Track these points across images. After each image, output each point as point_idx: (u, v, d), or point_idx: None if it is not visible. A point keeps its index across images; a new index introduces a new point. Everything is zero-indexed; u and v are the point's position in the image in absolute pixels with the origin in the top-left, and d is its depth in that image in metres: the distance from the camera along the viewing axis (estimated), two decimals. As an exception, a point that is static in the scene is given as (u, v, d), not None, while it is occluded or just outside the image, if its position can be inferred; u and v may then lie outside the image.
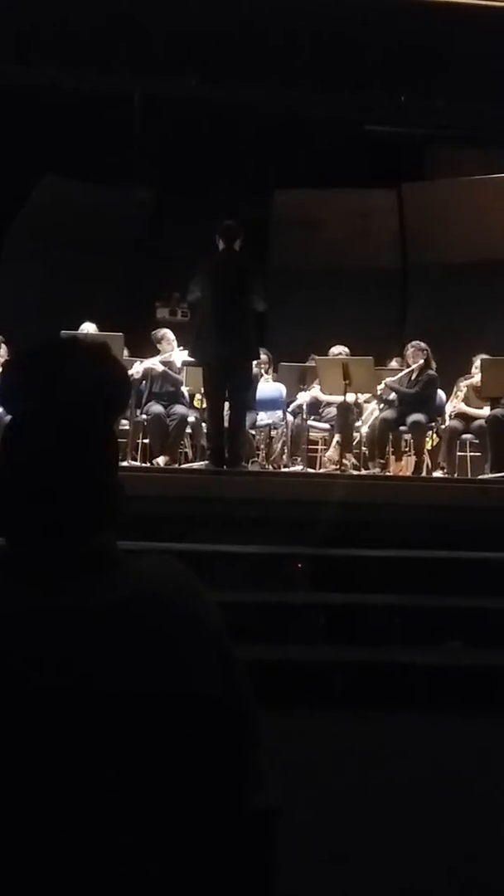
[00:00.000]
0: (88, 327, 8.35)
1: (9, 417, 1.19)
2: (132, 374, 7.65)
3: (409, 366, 8.32)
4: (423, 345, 8.28)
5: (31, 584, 1.09)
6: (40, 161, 10.58)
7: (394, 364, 9.14)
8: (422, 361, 8.17)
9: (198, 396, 8.68)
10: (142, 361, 8.22)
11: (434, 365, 8.26)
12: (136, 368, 8.02)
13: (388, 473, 8.14)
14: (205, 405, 7.56)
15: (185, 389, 8.41)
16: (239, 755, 1.11)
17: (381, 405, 8.42)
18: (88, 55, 9.48)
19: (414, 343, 8.36)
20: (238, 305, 6.92)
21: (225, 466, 7.03)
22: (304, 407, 8.73)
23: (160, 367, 8.21)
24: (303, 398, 8.81)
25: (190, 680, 1.07)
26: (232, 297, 6.91)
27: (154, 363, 8.23)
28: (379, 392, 8.41)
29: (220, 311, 6.89)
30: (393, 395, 8.29)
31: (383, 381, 8.36)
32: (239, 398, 7.11)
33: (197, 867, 1.08)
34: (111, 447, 1.19)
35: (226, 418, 7.11)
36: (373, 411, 8.57)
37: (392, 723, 4.35)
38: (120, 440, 1.28)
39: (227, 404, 7.11)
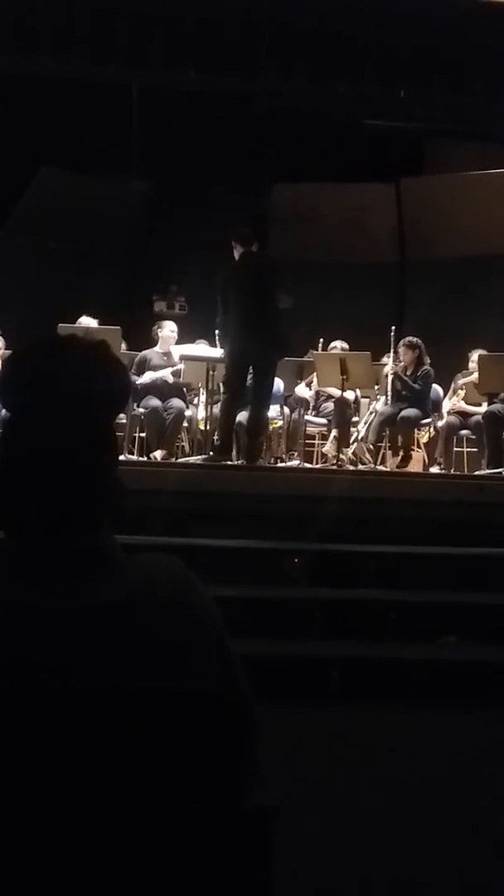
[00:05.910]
0: (86, 321, 8.33)
1: (6, 413, 1.18)
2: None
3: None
4: (414, 340, 8.28)
5: (30, 581, 1.09)
6: (37, 153, 10.55)
7: (384, 360, 9.10)
8: (415, 356, 8.18)
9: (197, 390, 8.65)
10: (137, 355, 8.21)
11: (427, 359, 8.25)
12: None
13: (384, 469, 8.13)
14: (201, 400, 7.54)
15: (178, 381, 8.39)
16: (237, 753, 1.11)
17: (390, 396, 8.29)
18: (86, 46, 9.43)
19: (404, 340, 8.36)
20: (263, 307, 6.95)
21: (244, 461, 7.16)
22: (302, 402, 8.72)
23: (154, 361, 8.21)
24: (300, 393, 8.80)
25: (189, 678, 1.07)
26: (257, 300, 6.95)
27: (147, 355, 8.23)
28: (389, 376, 8.31)
29: (247, 315, 6.94)
30: (398, 385, 8.23)
31: (390, 372, 8.30)
32: (263, 394, 7.18)
33: (196, 863, 1.08)
34: (110, 444, 1.19)
35: (240, 414, 7.25)
36: (371, 406, 8.56)
37: (388, 718, 4.36)
38: (117, 434, 1.27)
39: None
